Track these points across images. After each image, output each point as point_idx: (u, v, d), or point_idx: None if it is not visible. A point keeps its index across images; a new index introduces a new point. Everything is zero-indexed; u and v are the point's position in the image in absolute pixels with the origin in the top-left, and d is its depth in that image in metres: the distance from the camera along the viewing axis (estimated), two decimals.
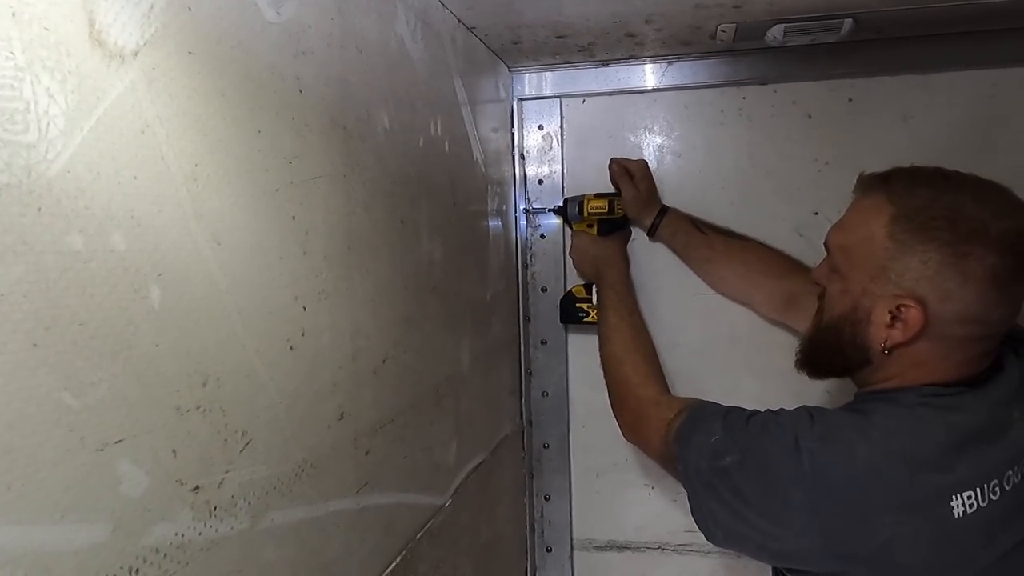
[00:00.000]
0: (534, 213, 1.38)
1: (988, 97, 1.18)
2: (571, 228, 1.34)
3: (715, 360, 1.31)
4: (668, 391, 1.09)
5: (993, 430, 0.80)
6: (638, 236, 1.34)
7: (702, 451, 0.87)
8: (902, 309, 0.80)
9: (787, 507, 0.79)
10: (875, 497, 0.76)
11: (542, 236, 1.38)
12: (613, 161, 1.30)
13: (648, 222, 1.29)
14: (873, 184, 0.86)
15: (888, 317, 0.81)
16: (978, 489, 0.76)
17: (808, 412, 0.84)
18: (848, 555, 0.77)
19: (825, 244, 0.92)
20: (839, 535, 0.77)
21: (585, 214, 1.30)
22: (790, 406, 0.88)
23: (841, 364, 0.89)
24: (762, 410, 0.88)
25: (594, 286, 1.30)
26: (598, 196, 1.30)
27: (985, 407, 0.81)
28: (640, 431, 1.05)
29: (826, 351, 0.90)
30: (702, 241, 1.26)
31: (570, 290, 1.34)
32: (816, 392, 1.06)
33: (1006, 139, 1.18)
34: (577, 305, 1.32)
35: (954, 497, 0.75)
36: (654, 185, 1.29)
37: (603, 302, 1.24)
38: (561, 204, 1.34)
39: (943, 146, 1.20)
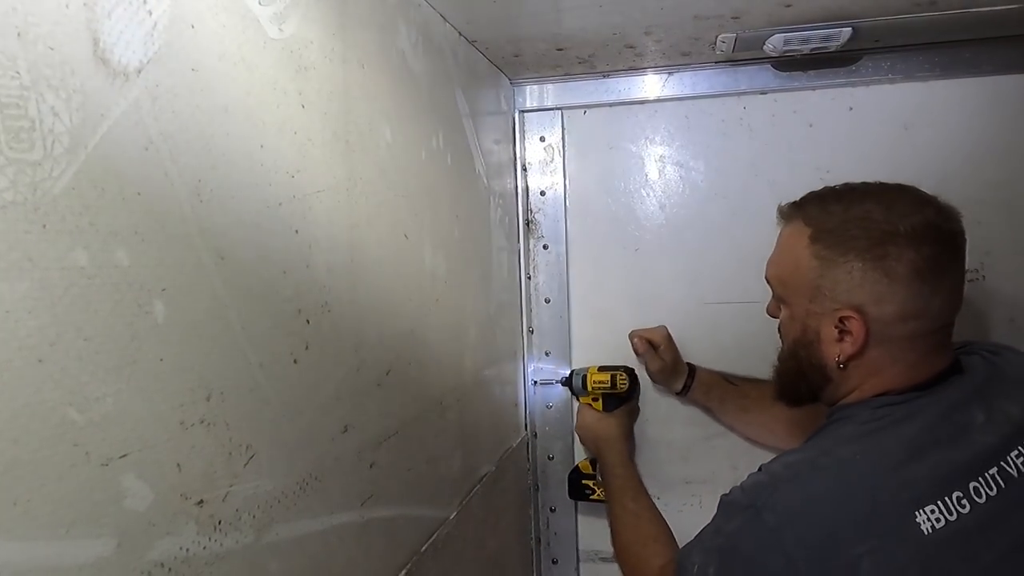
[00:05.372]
0: (542, 384, 1.38)
1: (988, 104, 1.19)
2: (577, 400, 1.33)
3: (723, 369, 1.31)
4: (672, 558, 0.99)
5: (950, 432, 0.80)
6: (633, 229, 1.34)
7: None
8: (845, 321, 0.83)
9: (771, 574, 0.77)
10: (842, 529, 0.75)
11: (545, 247, 1.38)
12: (633, 334, 1.30)
13: (679, 385, 1.28)
14: (790, 212, 0.92)
15: (835, 332, 0.85)
16: (940, 503, 0.75)
17: (758, 472, 0.83)
18: None
19: (766, 279, 0.95)
20: None
21: (589, 388, 1.29)
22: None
23: (807, 388, 0.91)
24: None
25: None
26: (601, 370, 1.29)
27: (939, 410, 0.81)
28: None
29: (791, 379, 0.93)
30: (736, 392, 1.27)
31: (577, 465, 1.33)
32: None
33: (1006, 146, 1.18)
34: (583, 482, 1.31)
35: (918, 513, 0.74)
36: (678, 351, 1.29)
37: (607, 489, 1.22)
38: (567, 376, 1.34)
39: (943, 154, 1.20)
